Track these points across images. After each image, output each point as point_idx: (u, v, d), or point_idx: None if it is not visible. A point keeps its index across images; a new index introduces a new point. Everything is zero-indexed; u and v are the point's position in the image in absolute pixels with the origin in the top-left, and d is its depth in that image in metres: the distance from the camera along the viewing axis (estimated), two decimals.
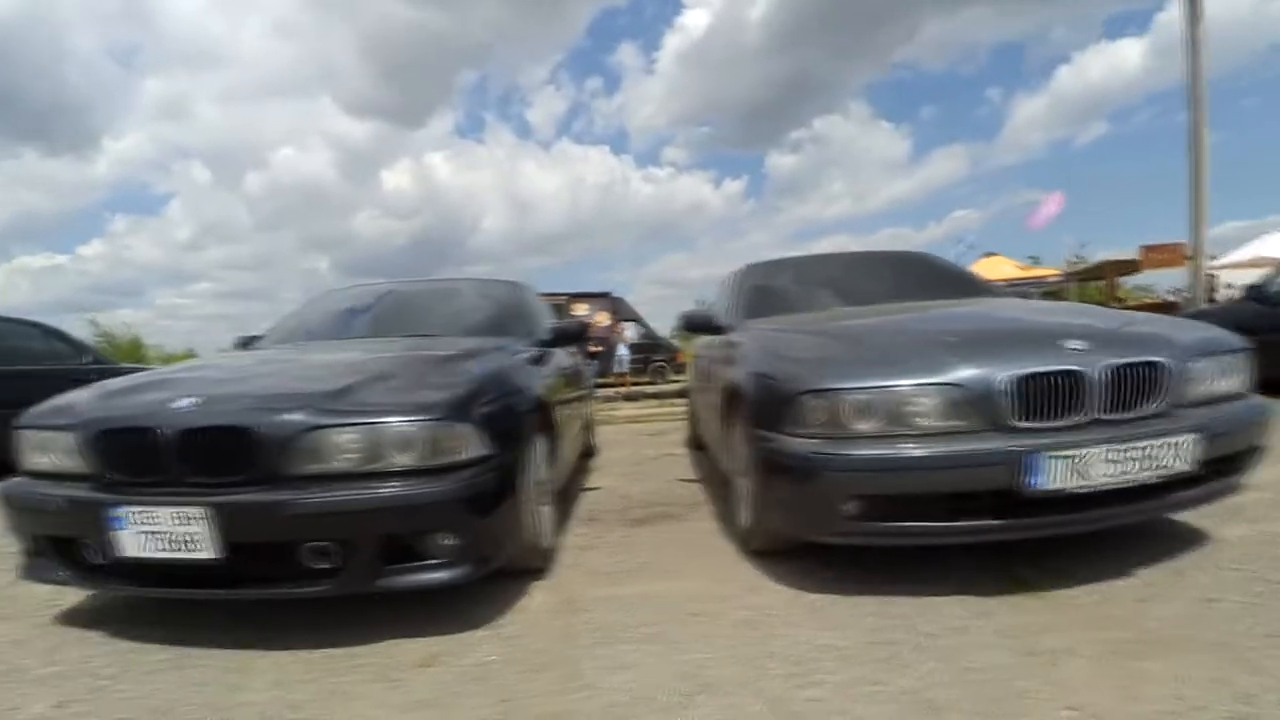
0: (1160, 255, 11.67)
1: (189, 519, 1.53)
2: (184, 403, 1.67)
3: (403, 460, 1.61)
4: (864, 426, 1.76)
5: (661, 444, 5.29)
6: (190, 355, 16.60)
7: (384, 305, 3.13)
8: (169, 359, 14.34)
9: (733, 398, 2.39)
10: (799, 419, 1.84)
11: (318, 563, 1.60)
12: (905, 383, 1.76)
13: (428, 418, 1.64)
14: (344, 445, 1.59)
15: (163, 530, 1.55)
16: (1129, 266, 12.46)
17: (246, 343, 3.06)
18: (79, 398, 1.93)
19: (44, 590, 2.11)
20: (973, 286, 3.19)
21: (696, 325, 3.04)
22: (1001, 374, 1.71)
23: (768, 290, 3.07)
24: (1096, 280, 13.30)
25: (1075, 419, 1.71)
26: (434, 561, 1.64)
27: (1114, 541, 2.03)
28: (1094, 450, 1.66)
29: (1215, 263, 11.36)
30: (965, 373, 1.74)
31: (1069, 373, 1.72)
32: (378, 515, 1.56)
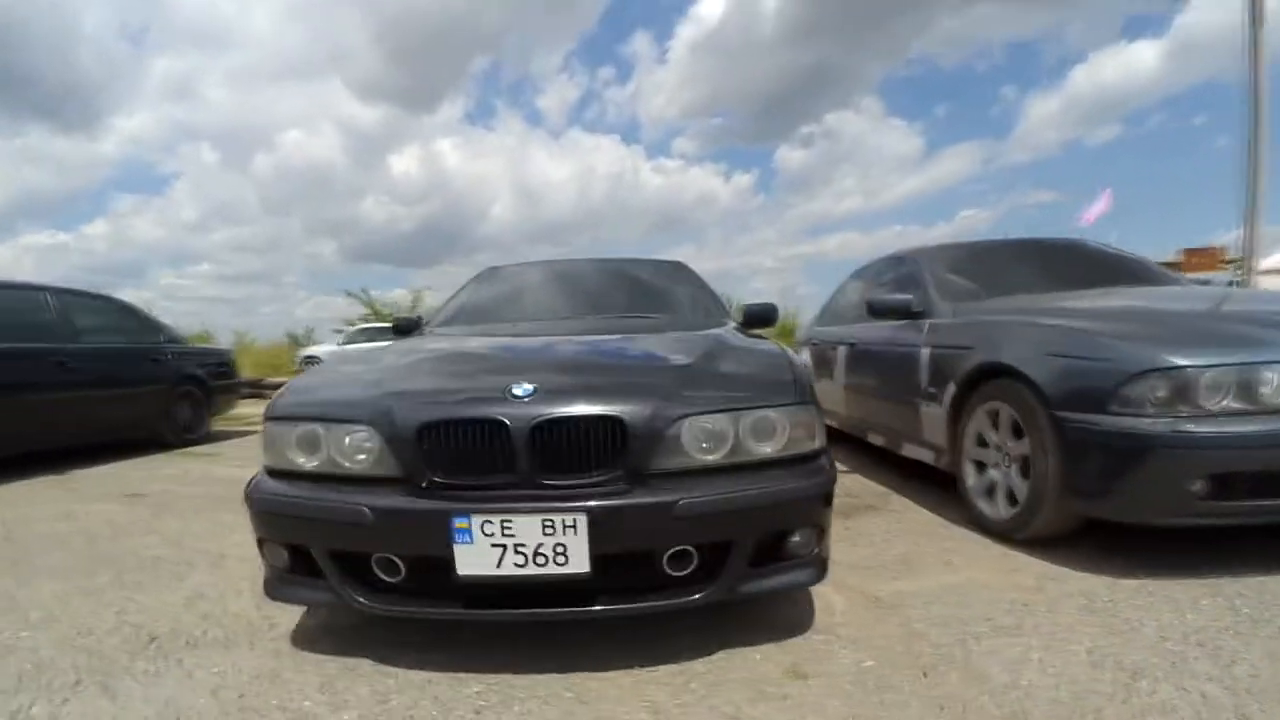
0: (1200, 259, 11.71)
1: (560, 528, 1.28)
2: (523, 389, 1.41)
3: (764, 450, 1.43)
4: (1212, 404, 1.68)
5: None
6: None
7: (577, 286, 2.88)
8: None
9: (980, 382, 2.27)
10: (1133, 399, 1.73)
11: (678, 569, 1.39)
12: (1264, 359, 1.69)
13: (788, 402, 1.47)
14: (712, 435, 1.40)
15: (524, 542, 1.29)
16: (1171, 269, 12.56)
17: (409, 327, 2.75)
18: (339, 381, 1.69)
19: (241, 607, 1.82)
20: (1154, 274, 3.11)
21: (888, 310, 2.91)
22: None
23: (960, 276, 2.95)
24: None
25: None
26: (790, 562, 1.46)
27: None
28: None
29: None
30: None
31: None
32: (762, 513, 1.38)
